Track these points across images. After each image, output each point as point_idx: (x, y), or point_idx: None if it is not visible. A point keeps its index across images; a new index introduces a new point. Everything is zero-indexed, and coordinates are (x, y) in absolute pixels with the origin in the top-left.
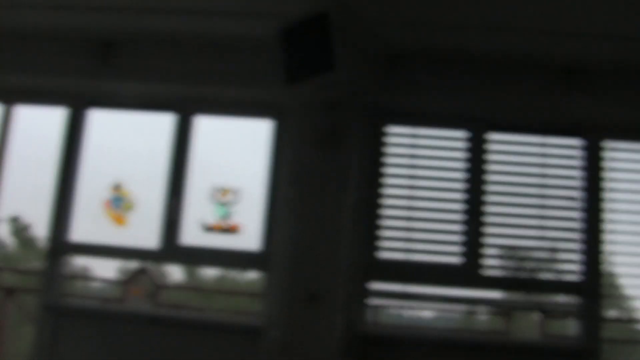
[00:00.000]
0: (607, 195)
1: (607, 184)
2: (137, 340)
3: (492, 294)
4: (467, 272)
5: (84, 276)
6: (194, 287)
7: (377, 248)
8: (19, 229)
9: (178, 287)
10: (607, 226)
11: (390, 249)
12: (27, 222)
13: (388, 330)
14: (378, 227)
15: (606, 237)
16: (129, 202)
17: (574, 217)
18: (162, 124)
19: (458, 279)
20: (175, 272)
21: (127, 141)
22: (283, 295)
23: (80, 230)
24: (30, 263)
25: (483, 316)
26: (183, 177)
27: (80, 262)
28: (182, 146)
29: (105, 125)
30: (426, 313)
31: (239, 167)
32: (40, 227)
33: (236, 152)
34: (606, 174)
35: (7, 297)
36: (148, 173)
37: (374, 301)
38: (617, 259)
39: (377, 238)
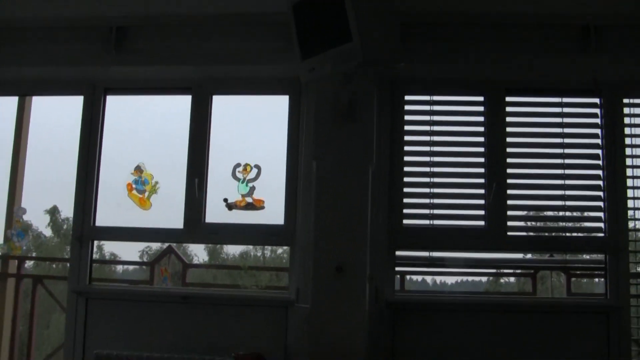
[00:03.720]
0: (628, 151)
1: (627, 141)
2: (168, 319)
3: (517, 256)
4: (492, 235)
5: (112, 261)
6: (220, 265)
7: (401, 216)
8: (57, 219)
9: (205, 266)
10: (630, 182)
11: (414, 216)
12: (64, 214)
13: (416, 297)
14: (401, 195)
15: (629, 193)
16: (152, 183)
17: (597, 175)
18: (180, 105)
19: (483, 242)
20: (198, 252)
21: (146, 124)
22: (309, 268)
23: (106, 214)
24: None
25: (509, 279)
26: (204, 156)
27: (107, 247)
28: (201, 126)
29: (124, 110)
30: (452, 280)
31: (259, 143)
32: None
33: (256, 129)
34: (626, 131)
35: (36, 285)
36: (169, 154)
37: (401, 269)
38: None
39: (400, 206)
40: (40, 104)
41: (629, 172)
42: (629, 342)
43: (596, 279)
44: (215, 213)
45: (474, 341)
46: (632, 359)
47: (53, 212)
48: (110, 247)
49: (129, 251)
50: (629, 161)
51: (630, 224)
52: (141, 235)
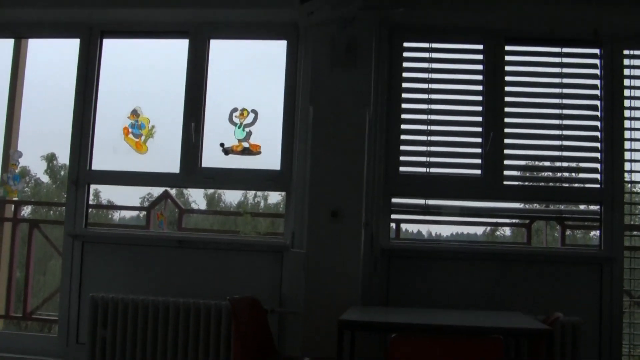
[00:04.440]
0: (627, 103)
1: (626, 93)
2: (164, 264)
3: (513, 206)
4: (488, 184)
5: (108, 206)
6: (217, 211)
7: (397, 163)
8: (54, 166)
9: (200, 211)
10: (627, 134)
11: (410, 163)
12: (62, 160)
13: (411, 244)
14: (398, 142)
15: (626, 145)
16: (148, 127)
17: (594, 126)
18: (178, 49)
19: (479, 190)
20: (197, 201)
21: (144, 69)
22: (306, 213)
23: (102, 159)
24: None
25: (505, 232)
26: (201, 101)
27: (104, 195)
28: (198, 70)
29: (120, 54)
30: (447, 232)
31: (256, 88)
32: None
33: (253, 74)
34: (625, 83)
35: (32, 230)
36: (166, 98)
37: (396, 216)
38: (638, 166)
39: (397, 153)
40: (36, 47)
41: (626, 123)
42: (621, 293)
43: (591, 233)
44: (211, 158)
45: (468, 289)
46: (623, 309)
47: (50, 158)
48: (107, 195)
49: (128, 199)
50: (627, 113)
51: (627, 176)
52: (137, 179)
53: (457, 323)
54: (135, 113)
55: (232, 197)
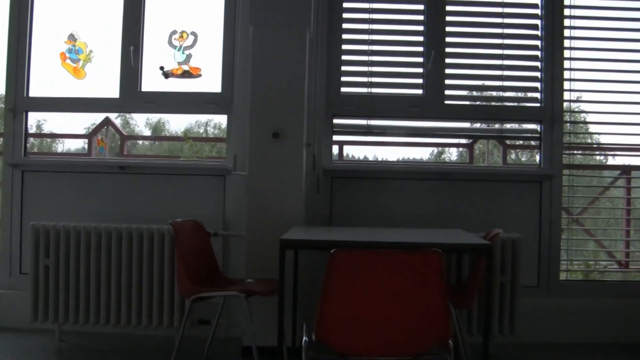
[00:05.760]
0: (567, 22)
1: (566, 12)
2: (105, 190)
3: (455, 125)
4: (430, 103)
5: (48, 135)
6: (160, 137)
7: (339, 83)
8: None
9: (143, 138)
10: (567, 53)
11: (352, 84)
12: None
13: (353, 165)
14: (339, 63)
15: (566, 64)
16: (86, 52)
17: (535, 45)
18: None
19: (421, 110)
20: (142, 130)
21: None
22: (247, 135)
23: (40, 86)
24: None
25: (451, 154)
26: (139, 23)
27: (47, 126)
28: None
29: None
30: (393, 156)
31: (196, 9)
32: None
33: None
34: (566, 2)
35: None
36: (103, 22)
37: (339, 137)
38: (578, 85)
39: (338, 73)
40: None
41: (566, 43)
42: (560, 210)
43: (534, 159)
44: (151, 82)
45: (410, 208)
46: (562, 226)
47: None
48: (51, 126)
49: (72, 130)
50: (567, 32)
51: (566, 95)
52: (75, 105)
53: (398, 239)
54: (72, 38)
55: (177, 126)
